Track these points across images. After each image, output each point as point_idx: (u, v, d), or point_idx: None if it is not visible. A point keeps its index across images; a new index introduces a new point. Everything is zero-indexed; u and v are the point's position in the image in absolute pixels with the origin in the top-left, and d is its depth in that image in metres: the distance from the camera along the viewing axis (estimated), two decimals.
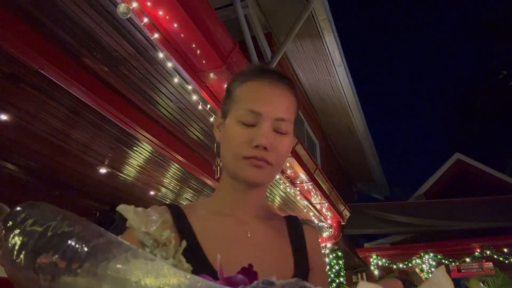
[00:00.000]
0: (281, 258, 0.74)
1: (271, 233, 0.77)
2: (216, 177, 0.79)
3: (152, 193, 4.77)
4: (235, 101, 0.74)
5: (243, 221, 0.75)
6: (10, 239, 0.32)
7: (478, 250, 7.46)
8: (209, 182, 4.04)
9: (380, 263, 8.21)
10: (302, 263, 0.76)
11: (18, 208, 0.34)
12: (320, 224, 6.16)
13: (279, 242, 0.77)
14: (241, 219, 0.76)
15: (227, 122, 0.75)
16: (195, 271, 0.58)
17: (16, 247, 0.31)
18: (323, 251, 6.43)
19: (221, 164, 0.77)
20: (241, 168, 0.71)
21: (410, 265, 7.99)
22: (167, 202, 5.15)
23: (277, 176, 4.26)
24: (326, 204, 5.72)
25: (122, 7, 2.00)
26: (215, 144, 0.81)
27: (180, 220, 0.72)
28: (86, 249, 0.28)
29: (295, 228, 0.81)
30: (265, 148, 0.69)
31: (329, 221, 6.34)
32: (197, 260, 0.66)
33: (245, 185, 0.74)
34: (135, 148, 3.65)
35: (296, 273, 0.72)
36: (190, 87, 2.74)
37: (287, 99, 0.75)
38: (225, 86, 0.83)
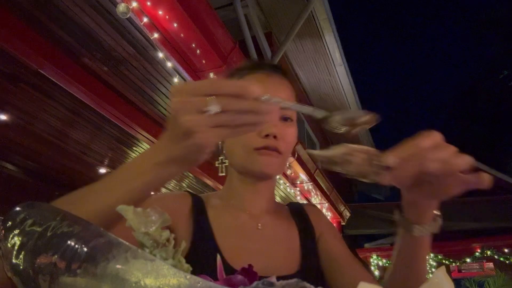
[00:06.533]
0: (288, 247, 0.76)
1: (279, 223, 0.79)
2: (220, 174, 0.77)
3: (151, 193, 4.77)
4: None
5: (255, 215, 0.77)
6: (10, 239, 0.32)
7: (479, 251, 7.44)
8: (209, 182, 4.04)
9: (380, 263, 8.20)
10: (310, 249, 0.77)
11: (18, 208, 0.34)
12: None
13: (286, 230, 0.79)
14: (253, 213, 0.77)
15: None
16: (207, 260, 0.61)
17: (16, 248, 0.31)
18: None
19: (226, 161, 0.76)
20: (252, 161, 0.70)
21: None
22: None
23: (277, 176, 4.24)
24: (327, 204, 5.72)
25: (121, 7, 2.00)
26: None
27: (199, 209, 0.73)
28: (85, 249, 0.28)
29: (299, 211, 0.83)
30: (274, 137, 0.70)
31: None
32: (209, 250, 0.68)
33: (255, 178, 0.75)
34: (134, 148, 3.65)
35: (303, 262, 0.74)
36: None
37: (287, 87, 0.76)
38: None
